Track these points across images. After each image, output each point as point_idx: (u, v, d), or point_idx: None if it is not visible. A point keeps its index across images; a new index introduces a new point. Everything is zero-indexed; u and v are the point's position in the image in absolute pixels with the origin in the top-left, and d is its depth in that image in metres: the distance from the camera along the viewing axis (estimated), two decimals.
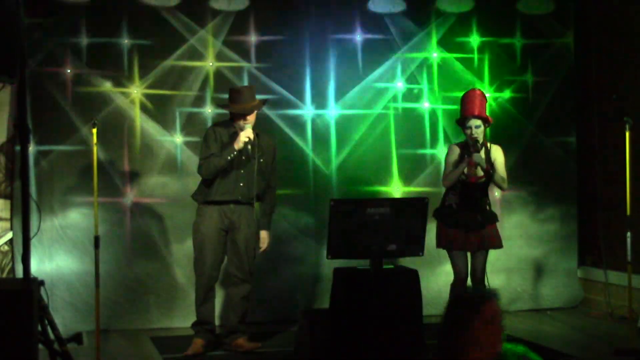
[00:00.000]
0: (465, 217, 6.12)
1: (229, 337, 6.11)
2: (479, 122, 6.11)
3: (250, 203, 6.00)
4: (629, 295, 6.41)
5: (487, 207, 6.23)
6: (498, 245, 6.25)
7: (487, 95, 6.37)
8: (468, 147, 6.09)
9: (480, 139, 6.12)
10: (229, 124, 6.08)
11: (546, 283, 7.89)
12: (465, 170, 6.07)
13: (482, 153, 6.13)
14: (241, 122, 5.94)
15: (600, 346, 6.35)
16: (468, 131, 6.11)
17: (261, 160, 6.01)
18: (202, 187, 6.07)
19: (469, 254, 6.21)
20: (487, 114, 6.24)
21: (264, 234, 6.14)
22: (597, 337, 6.68)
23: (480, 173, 6.11)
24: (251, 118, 5.97)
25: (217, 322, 6.40)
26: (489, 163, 6.14)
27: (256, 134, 5.98)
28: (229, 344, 6.09)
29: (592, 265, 7.96)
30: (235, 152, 5.86)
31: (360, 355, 5.17)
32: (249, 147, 5.86)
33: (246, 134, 5.84)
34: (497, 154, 6.23)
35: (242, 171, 5.95)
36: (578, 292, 7.95)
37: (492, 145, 6.26)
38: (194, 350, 5.97)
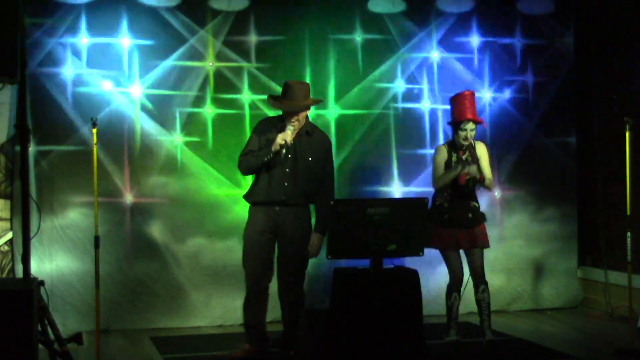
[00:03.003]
0: (457, 216, 6.16)
1: (280, 346, 5.93)
2: (473, 125, 6.14)
3: (299, 205, 5.73)
4: (629, 295, 6.40)
5: (477, 206, 6.27)
6: (487, 244, 6.29)
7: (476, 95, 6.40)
8: (460, 148, 6.10)
9: (471, 138, 6.16)
10: (280, 119, 5.76)
11: (546, 283, 7.89)
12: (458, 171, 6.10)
13: (465, 154, 6.17)
14: (289, 122, 5.61)
15: (600, 346, 6.35)
16: (463, 133, 6.14)
17: (310, 159, 5.72)
18: (251, 188, 5.82)
19: (462, 253, 6.27)
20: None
21: (313, 237, 5.75)
22: (597, 337, 6.69)
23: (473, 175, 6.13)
24: (301, 118, 5.66)
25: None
26: (477, 165, 6.16)
27: (306, 132, 5.73)
28: (281, 354, 5.87)
29: (592, 265, 7.96)
30: (271, 155, 5.61)
31: (360, 355, 5.16)
32: (284, 150, 5.60)
33: (283, 137, 5.55)
34: (482, 152, 6.28)
35: (287, 170, 5.68)
36: (578, 292, 7.96)
37: (476, 142, 6.29)
38: (236, 354, 5.82)
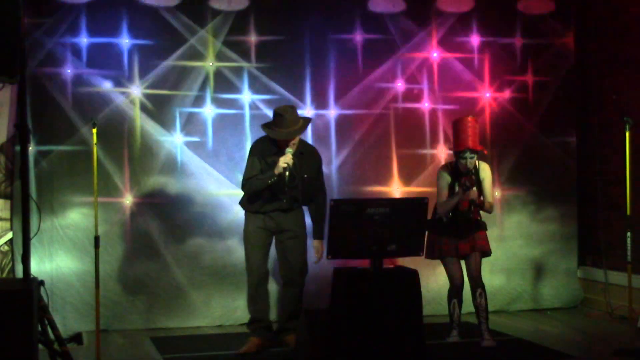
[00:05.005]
0: (457, 227, 6.21)
1: (280, 334, 6.25)
2: (473, 153, 6.14)
3: (297, 208, 6.14)
4: (629, 295, 6.41)
5: (478, 218, 6.32)
6: (488, 250, 6.32)
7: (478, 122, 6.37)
8: (461, 175, 6.14)
9: (471, 166, 6.16)
10: (273, 141, 6.04)
11: (546, 283, 7.89)
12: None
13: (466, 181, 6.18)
14: (288, 146, 5.94)
15: (600, 346, 6.35)
16: (463, 161, 6.16)
17: (305, 176, 6.07)
18: (246, 198, 6.14)
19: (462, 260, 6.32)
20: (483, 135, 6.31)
21: (316, 244, 6.22)
22: (597, 337, 6.68)
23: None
24: (296, 140, 5.99)
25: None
26: (479, 189, 6.20)
27: (300, 153, 6.02)
28: (281, 340, 6.22)
29: (592, 265, 7.96)
30: (274, 177, 5.89)
31: (361, 355, 5.17)
32: (287, 173, 5.87)
33: (285, 160, 5.86)
34: (485, 174, 6.30)
35: (286, 189, 5.99)
36: (578, 292, 7.95)
37: (480, 163, 6.30)
38: (247, 349, 6.04)
